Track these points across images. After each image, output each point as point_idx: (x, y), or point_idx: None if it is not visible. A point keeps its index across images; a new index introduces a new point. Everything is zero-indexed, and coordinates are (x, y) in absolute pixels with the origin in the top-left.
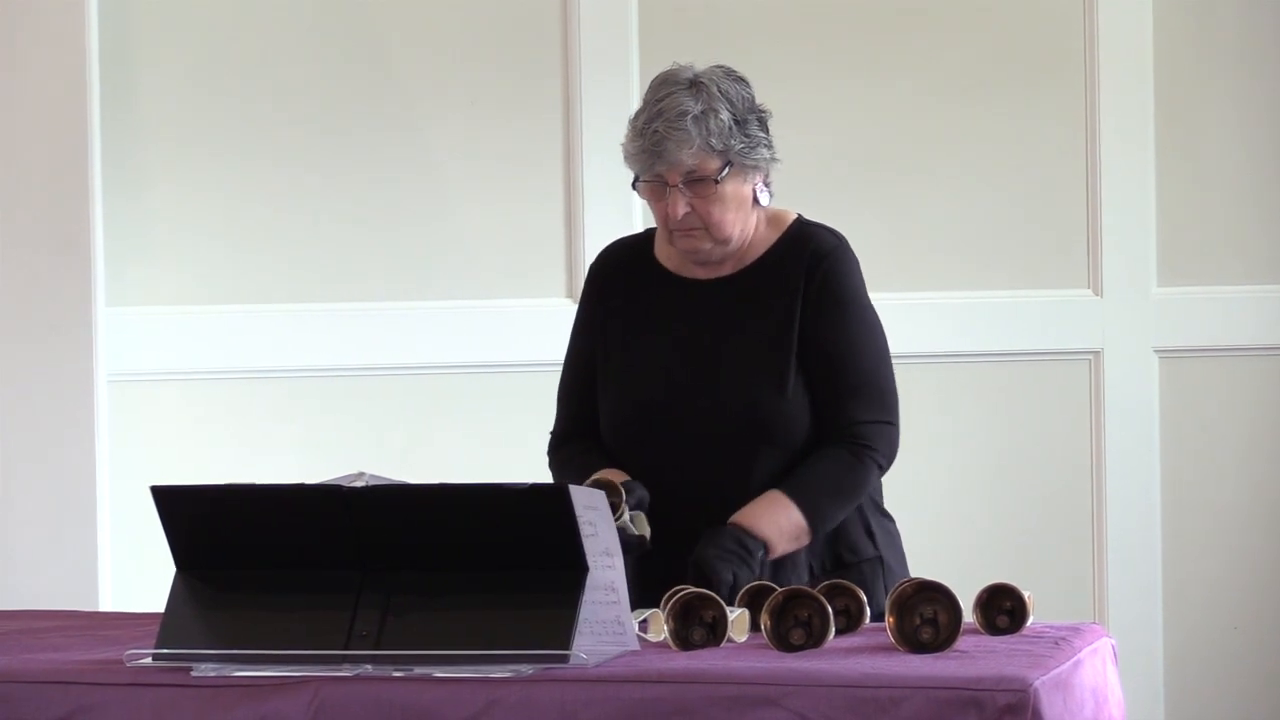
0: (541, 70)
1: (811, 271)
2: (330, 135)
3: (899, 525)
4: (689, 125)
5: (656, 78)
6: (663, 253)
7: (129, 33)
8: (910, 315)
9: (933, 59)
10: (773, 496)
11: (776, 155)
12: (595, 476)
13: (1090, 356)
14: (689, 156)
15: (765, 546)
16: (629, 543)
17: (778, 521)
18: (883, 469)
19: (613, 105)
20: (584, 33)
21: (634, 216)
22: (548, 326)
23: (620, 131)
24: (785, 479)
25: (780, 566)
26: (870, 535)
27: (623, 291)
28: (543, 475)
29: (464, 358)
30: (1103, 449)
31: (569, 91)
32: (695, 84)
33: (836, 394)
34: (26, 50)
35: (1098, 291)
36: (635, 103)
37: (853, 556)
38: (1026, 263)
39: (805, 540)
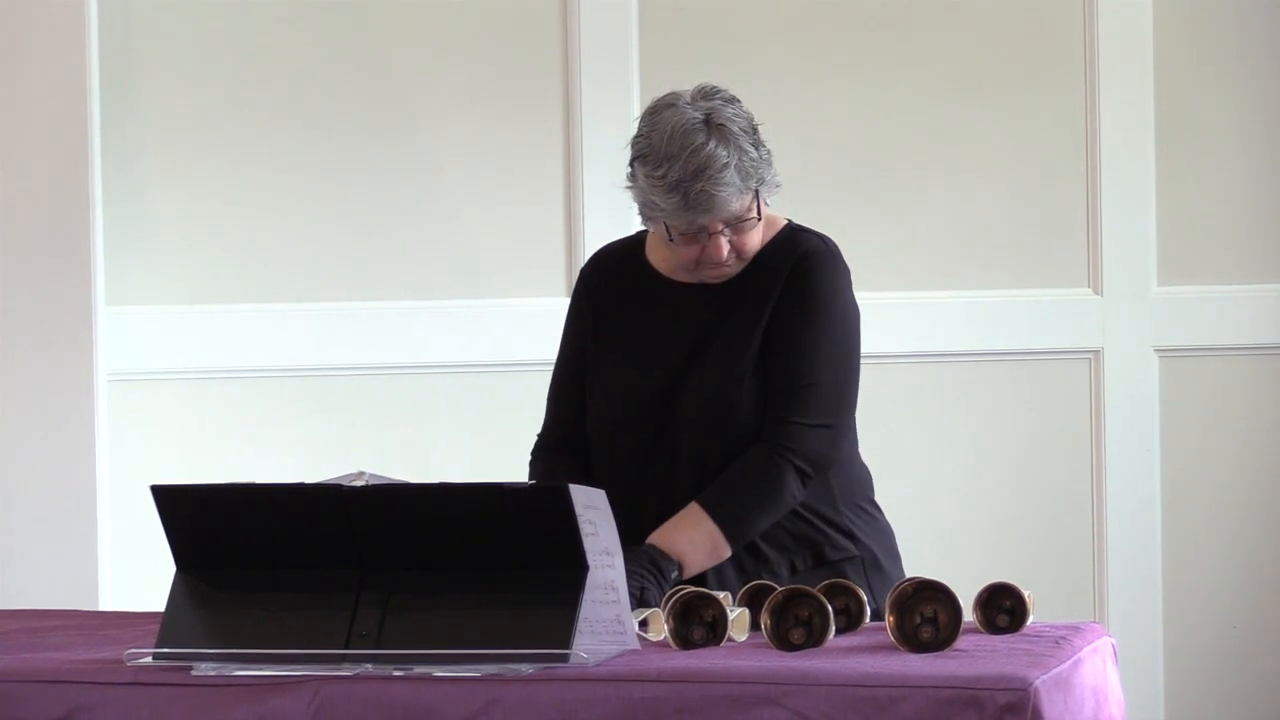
0: (541, 70)
1: (792, 268)
2: (330, 135)
3: (900, 525)
4: (733, 177)
5: (664, 123)
6: (655, 256)
7: (129, 34)
8: (910, 315)
9: (933, 59)
10: (690, 512)
11: (772, 158)
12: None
13: (1090, 355)
14: (737, 205)
15: (679, 565)
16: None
17: (693, 539)
18: (804, 472)
19: (613, 105)
20: (584, 33)
21: (633, 216)
22: (548, 326)
23: (621, 133)
24: (706, 490)
25: (763, 567)
26: (850, 535)
27: (614, 295)
28: None
29: (464, 357)
30: (1103, 448)
31: (569, 91)
32: (712, 125)
33: (773, 391)
34: (27, 51)
35: (1098, 290)
36: (636, 103)
37: (836, 554)
38: (1026, 262)
39: (725, 552)
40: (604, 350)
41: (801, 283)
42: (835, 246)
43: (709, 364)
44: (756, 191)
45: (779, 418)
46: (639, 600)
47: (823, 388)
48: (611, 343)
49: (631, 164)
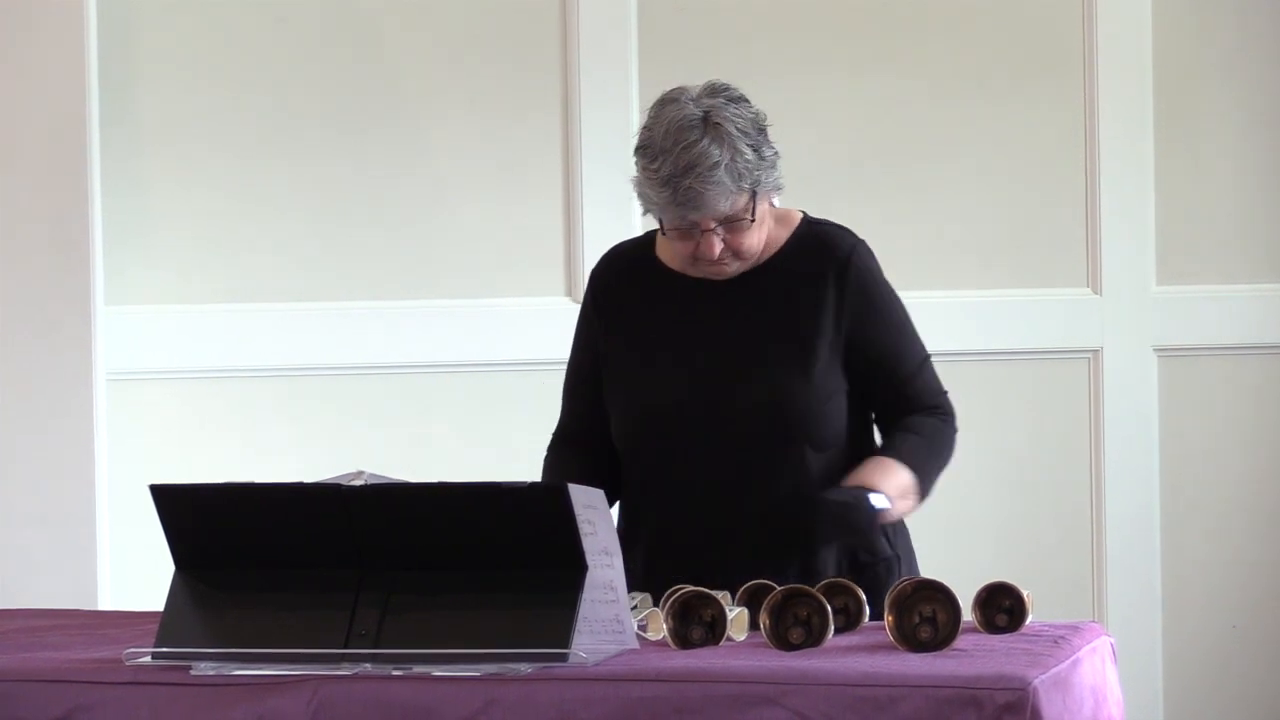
0: (541, 70)
1: (842, 272)
2: (330, 135)
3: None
4: (723, 176)
5: (664, 117)
6: (666, 254)
7: (129, 33)
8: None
9: (932, 59)
10: (881, 460)
11: (779, 159)
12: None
13: (1090, 355)
14: (727, 205)
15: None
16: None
17: (894, 481)
18: (957, 435)
19: (613, 105)
20: (584, 33)
21: (633, 216)
22: (547, 326)
23: (620, 132)
24: (883, 447)
25: (808, 571)
26: (887, 536)
27: (627, 294)
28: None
29: (464, 357)
30: (1102, 448)
31: (569, 91)
32: (709, 123)
33: (904, 380)
34: (26, 50)
35: (1097, 290)
36: (636, 102)
37: (869, 557)
38: (1026, 262)
39: (912, 504)
40: (621, 350)
41: (869, 280)
42: (856, 233)
43: (759, 364)
44: (754, 193)
45: (930, 389)
46: (846, 513)
47: (933, 366)
48: (627, 342)
49: (634, 154)
